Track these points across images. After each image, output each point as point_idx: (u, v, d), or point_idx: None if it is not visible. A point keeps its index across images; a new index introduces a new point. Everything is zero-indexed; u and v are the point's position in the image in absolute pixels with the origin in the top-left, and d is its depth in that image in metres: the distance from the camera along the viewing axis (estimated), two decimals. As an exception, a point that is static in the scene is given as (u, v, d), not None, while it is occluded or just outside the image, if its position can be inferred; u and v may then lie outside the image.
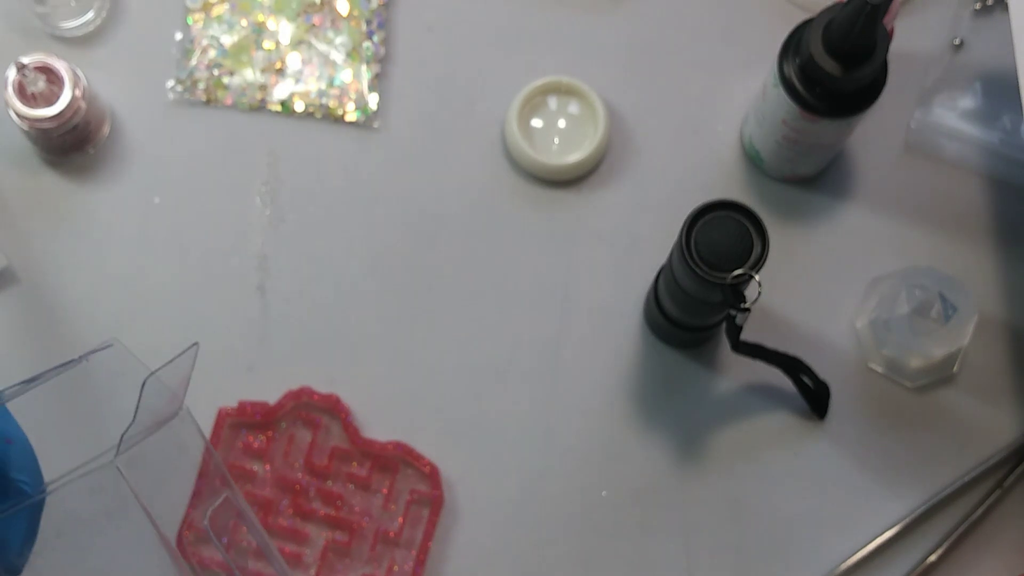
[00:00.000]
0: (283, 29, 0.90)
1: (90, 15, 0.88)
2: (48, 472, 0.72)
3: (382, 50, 0.90)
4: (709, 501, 0.84)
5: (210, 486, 0.80)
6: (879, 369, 0.86)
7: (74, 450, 0.74)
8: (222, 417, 0.83)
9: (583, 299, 0.87)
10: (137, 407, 0.69)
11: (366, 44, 0.90)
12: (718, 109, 0.90)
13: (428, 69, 0.90)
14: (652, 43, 0.91)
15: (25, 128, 0.83)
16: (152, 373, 0.70)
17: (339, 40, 0.90)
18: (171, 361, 0.71)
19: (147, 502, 0.74)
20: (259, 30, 0.89)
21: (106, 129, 0.87)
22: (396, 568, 0.82)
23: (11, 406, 0.69)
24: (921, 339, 0.83)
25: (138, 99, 0.89)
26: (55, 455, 0.73)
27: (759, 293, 0.72)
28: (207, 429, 0.83)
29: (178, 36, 0.90)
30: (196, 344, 0.73)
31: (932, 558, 0.83)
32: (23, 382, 0.69)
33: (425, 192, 0.88)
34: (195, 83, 0.89)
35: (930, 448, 0.85)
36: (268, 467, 0.83)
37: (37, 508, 0.65)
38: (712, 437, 0.85)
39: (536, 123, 0.89)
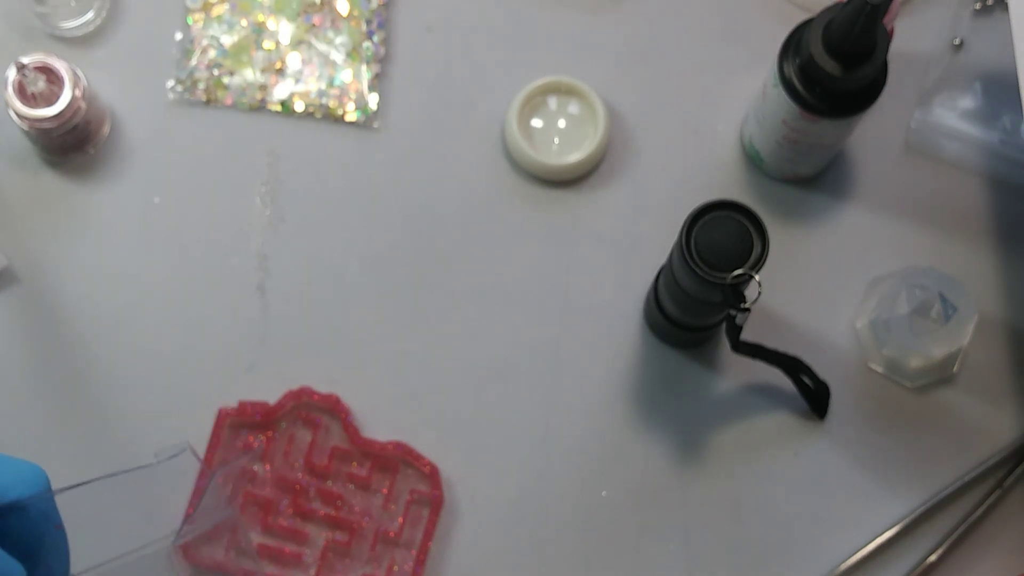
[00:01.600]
0: (283, 29, 0.90)
1: (90, 15, 0.88)
2: (94, 560, 0.72)
3: (382, 50, 0.90)
4: (709, 501, 0.84)
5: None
6: (879, 369, 0.86)
7: (121, 542, 0.74)
8: (222, 417, 0.83)
9: (583, 299, 0.87)
10: (201, 499, 0.72)
11: (366, 44, 0.90)
12: (718, 109, 0.90)
13: (428, 69, 0.90)
14: (652, 43, 0.91)
15: (25, 128, 0.83)
16: (217, 471, 0.74)
17: (339, 40, 0.90)
18: (236, 460, 0.75)
19: None
20: (259, 30, 0.89)
21: (106, 129, 0.87)
22: (396, 568, 0.82)
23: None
24: (921, 339, 0.83)
25: (138, 99, 0.89)
26: (102, 545, 0.73)
27: (759, 293, 0.72)
28: (207, 429, 0.83)
29: (178, 36, 0.90)
30: (256, 450, 0.79)
31: (932, 558, 0.83)
32: (84, 482, 0.68)
33: (425, 192, 0.88)
34: (195, 83, 0.89)
35: (930, 448, 0.85)
36: (268, 467, 0.83)
37: None
38: (712, 437, 0.85)
39: (536, 123, 0.89)
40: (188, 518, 0.73)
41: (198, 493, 0.79)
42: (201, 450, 0.82)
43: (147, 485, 0.77)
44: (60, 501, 0.63)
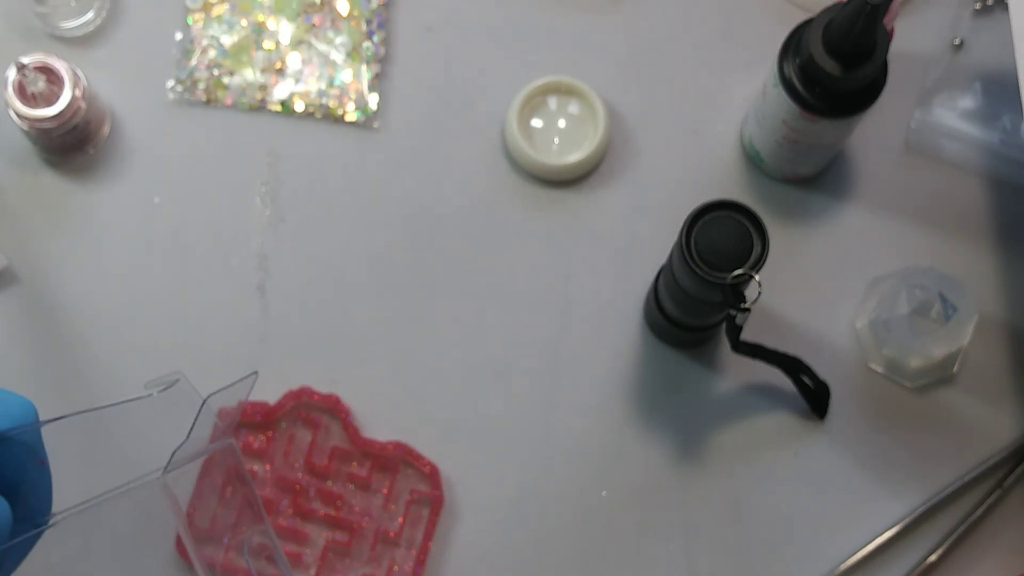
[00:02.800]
0: (283, 29, 0.90)
1: (90, 15, 0.88)
2: (85, 495, 0.71)
3: (382, 50, 0.90)
4: (709, 501, 0.84)
5: (244, 516, 0.80)
6: (879, 369, 0.86)
7: (113, 477, 0.73)
8: (222, 417, 0.83)
9: (583, 299, 0.87)
10: (192, 426, 0.69)
11: (366, 44, 0.90)
12: (718, 109, 0.90)
13: (428, 69, 0.90)
14: (652, 43, 0.91)
15: (25, 128, 0.83)
16: (210, 395, 0.70)
17: (339, 40, 0.90)
18: (230, 385, 0.71)
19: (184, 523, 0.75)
20: (259, 30, 0.89)
21: (106, 129, 0.87)
22: (396, 568, 0.82)
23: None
24: (921, 339, 0.83)
25: (138, 99, 0.89)
26: (93, 479, 0.71)
27: (759, 293, 0.72)
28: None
29: (178, 36, 0.90)
30: (255, 373, 0.74)
31: (932, 558, 0.83)
32: (73, 413, 0.68)
33: (425, 192, 0.88)
34: (195, 83, 0.89)
35: (930, 448, 0.85)
36: (268, 467, 0.83)
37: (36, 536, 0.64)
38: (712, 437, 0.85)
39: (536, 123, 0.89)
40: (181, 445, 0.71)
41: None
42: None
43: (140, 419, 0.74)
44: (47, 436, 0.62)
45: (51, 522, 0.64)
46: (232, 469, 0.80)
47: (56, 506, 0.63)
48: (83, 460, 0.71)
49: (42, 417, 0.61)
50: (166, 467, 0.71)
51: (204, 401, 0.69)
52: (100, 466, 0.78)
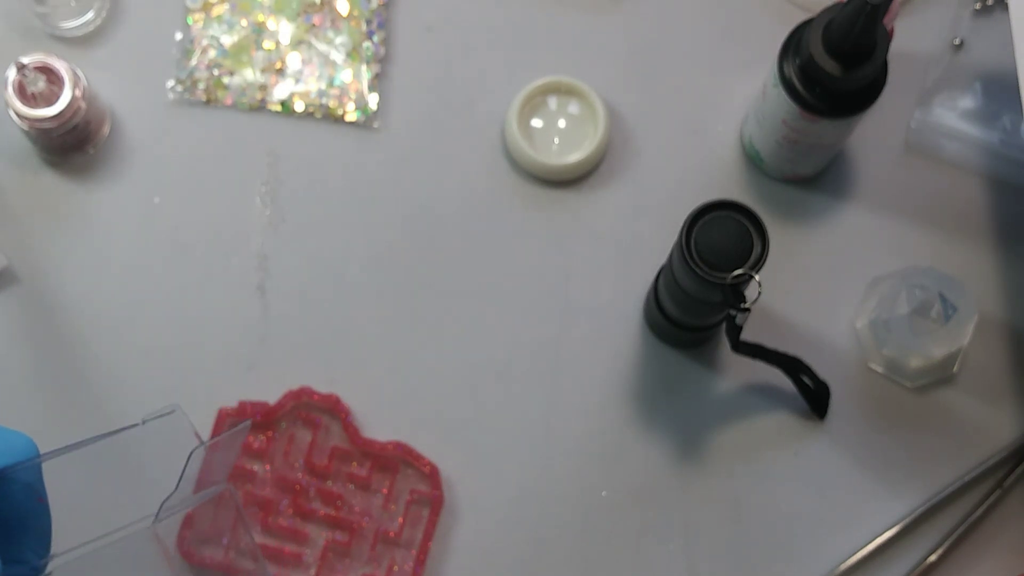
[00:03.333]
0: (283, 29, 0.90)
1: (90, 15, 0.88)
2: (81, 533, 0.70)
3: (382, 50, 0.90)
4: (709, 501, 0.84)
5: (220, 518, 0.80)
6: (879, 369, 0.86)
7: (110, 513, 0.72)
8: (222, 417, 0.83)
9: (583, 299, 0.87)
10: (180, 477, 0.68)
11: (366, 44, 0.90)
12: (718, 109, 0.90)
13: (428, 69, 0.90)
14: (652, 43, 0.91)
15: (25, 128, 0.83)
16: (201, 444, 0.70)
17: (339, 40, 0.90)
18: (222, 435, 0.71)
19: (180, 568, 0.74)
20: (259, 30, 0.89)
21: (106, 129, 0.87)
22: (396, 568, 0.82)
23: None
24: (921, 339, 0.83)
25: (138, 99, 0.89)
26: (90, 516, 0.70)
27: (759, 293, 0.72)
28: (207, 429, 0.83)
29: (178, 36, 0.90)
30: (249, 421, 0.74)
31: (932, 558, 0.83)
32: (72, 445, 0.67)
33: (425, 192, 0.88)
34: (195, 83, 0.89)
35: (930, 448, 0.85)
36: (268, 467, 0.83)
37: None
38: (712, 437, 0.85)
39: (536, 123, 0.89)
40: (170, 495, 0.70)
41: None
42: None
43: (135, 451, 0.73)
44: (44, 470, 0.61)
45: (48, 568, 0.63)
46: (233, 515, 0.80)
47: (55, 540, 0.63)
48: (80, 494, 0.70)
49: (41, 446, 0.61)
50: (156, 516, 0.70)
51: (192, 452, 0.68)
52: (101, 498, 0.77)
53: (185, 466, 0.68)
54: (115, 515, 0.71)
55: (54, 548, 0.63)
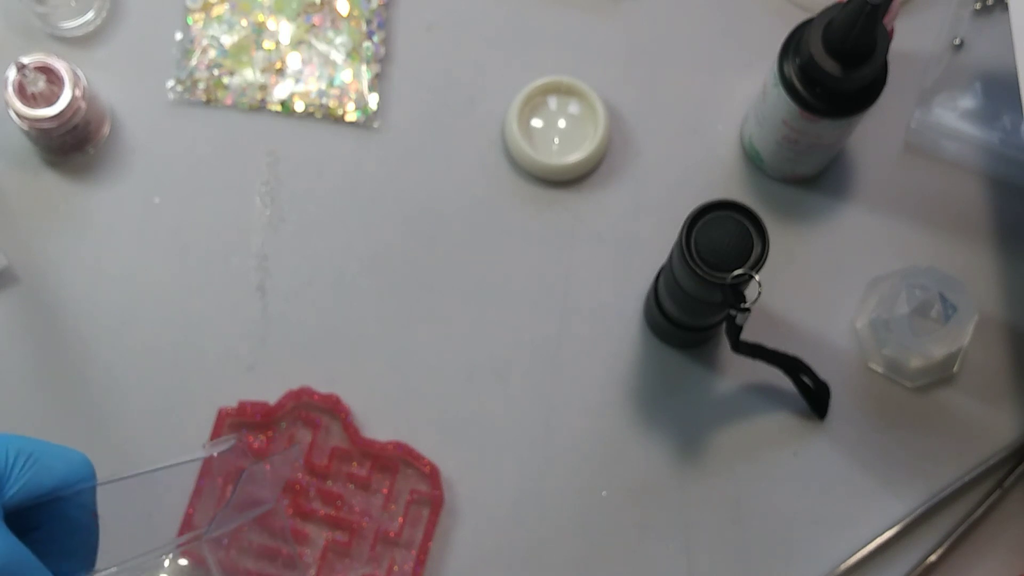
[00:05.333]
0: (283, 29, 0.90)
1: (90, 15, 0.88)
2: (126, 551, 0.71)
3: (382, 50, 0.90)
4: (709, 501, 0.84)
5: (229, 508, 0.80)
6: (879, 369, 0.86)
7: (155, 534, 0.73)
8: (222, 417, 0.83)
9: (583, 299, 0.87)
10: (234, 491, 0.69)
11: (366, 44, 0.90)
12: (718, 109, 0.90)
13: (428, 69, 0.90)
14: (652, 43, 0.91)
15: (25, 128, 0.83)
16: (257, 463, 0.70)
17: (339, 40, 0.90)
18: (275, 455, 0.73)
19: None
20: (259, 30, 0.89)
21: (106, 129, 0.87)
22: (396, 568, 0.82)
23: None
24: (921, 339, 0.83)
25: (138, 99, 0.89)
26: (135, 536, 0.72)
27: (759, 293, 0.72)
28: (207, 429, 0.83)
29: (178, 36, 0.90)
30: (297, 444, 0.75)
31: (932, 558, 0.83)
32: (135, 473, 0.67)
33: (425, 192, 0.88)
34: (195, 83, 0.89)
35: (930, 448, 0.85)
36: (268, 467, 0.83)
37: None
38: (712, 437, 0.85)
39: (536, 123, 0.89)
40: (222, 508, 0.71)
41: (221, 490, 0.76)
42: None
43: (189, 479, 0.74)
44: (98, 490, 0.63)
45: None
46: (278, 528, 0.81)
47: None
48: (123, 515, 0.71)
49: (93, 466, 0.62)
50: (207, 529, 0.70)
51: (246, 471, 0.69)
52: (146, 518, 0.78)
53: (239, 482, 0.69)
54: (159, 535, 0.72)
55: (100, 564, 0.64)
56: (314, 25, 0.90)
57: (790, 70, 0.78)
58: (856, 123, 0.81)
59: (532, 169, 0.88)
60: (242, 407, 0.83)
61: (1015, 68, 0.77)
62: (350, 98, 0.89)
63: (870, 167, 0.89)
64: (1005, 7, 0.89)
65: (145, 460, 0.76)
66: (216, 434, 0.83)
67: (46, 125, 0.83)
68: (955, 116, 0.89)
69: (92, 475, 0.61)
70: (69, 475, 0.60)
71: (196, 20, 0.90)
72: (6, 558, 0.56)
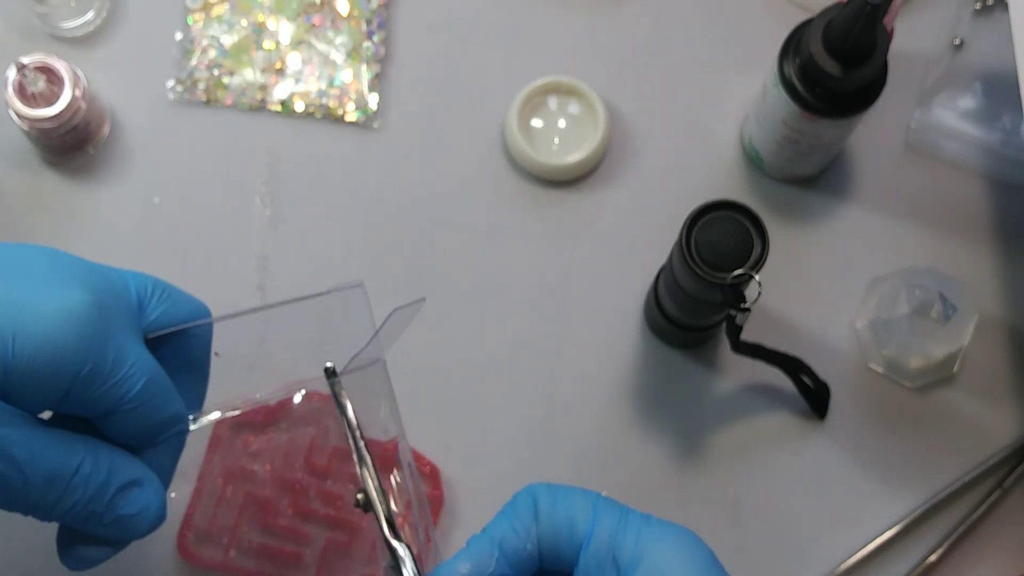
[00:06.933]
0: (283, 29, 0.90)
1: (90, 15, 0.88)
2: (250, 391, 0.74)
3: (382, 50, 0.90)
4: (709, 501, 0.84)
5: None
6: (879, 369, 0.86)
7: (279, 374, 0.74)
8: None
9: (583, 299, 0.87)
10: (376, 333, 0.70)
11: (366, 44, 0.90)
12: (718, 109, 0.90)
13: (428, 69, 0.90)
14: (652, 43, 0.91)
15: (25, 128, 0.83)
16: (395, 310, 0.69)
17: (339, 40, 0.90)
18: (406, 305, 0.70)
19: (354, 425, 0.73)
20: (259, 30, 0.89)
21: (106, 129, 0.87)
22: (396, 568, 0.82)
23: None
24: (921, 339, 0.83)
25: (138, 99, 0.89)
26: (259, 376, 0.74)
27: (759, 293, 0.72)
28: (207, 429, 0.83)
29: (178, 36, 0.90)
30: (423, 299, 0.71)
31: (932, 558, 0.83)
32: (252, 309, 0.71)
33: (425, 192, 0.88)
34: (195, 83, 0.89)
35: (930, 448, 0.85)
36: (268, 467, 0.83)
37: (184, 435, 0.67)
38: (712, 437, 0.85)
39: (536, 123, 0.89)
40: (362, 349, 0.70)
41: None
42: (200, 451, 0.82)
43: (311, 320, 0.74)
44: (219, 329, 0.67)
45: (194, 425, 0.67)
46: (236, 514, 0.81)
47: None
48: (249, 355, 0.72)
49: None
50: (345, 367, 0.71)
51: (391, 314, 0.69)
52: (269, 360, 0.77)
53: (383, 324, 0.69)
54: (284, 375, 0.74)
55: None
56: (314, 25, 0.90)
57: (790, 70, 0.78)
58: (856, 123, 0.81)
59: (532, 169, 0.88)
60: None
61: (1015, 68, 0.77)
62: (350, 98, 0.89)
63: (870, 167, 0.89)
64: (1005, 7, 0.89)
65: (317, 329, 0.76)
66: (216, 434, 0.83)
67: (46, 125, 0.83)
68: (955, 116, 0.89)
69: (209, 315, 0.66)
70: (195, 313, 0.65)
71: (196, 20, 0.90)
72: (151, 375, 0.60)
